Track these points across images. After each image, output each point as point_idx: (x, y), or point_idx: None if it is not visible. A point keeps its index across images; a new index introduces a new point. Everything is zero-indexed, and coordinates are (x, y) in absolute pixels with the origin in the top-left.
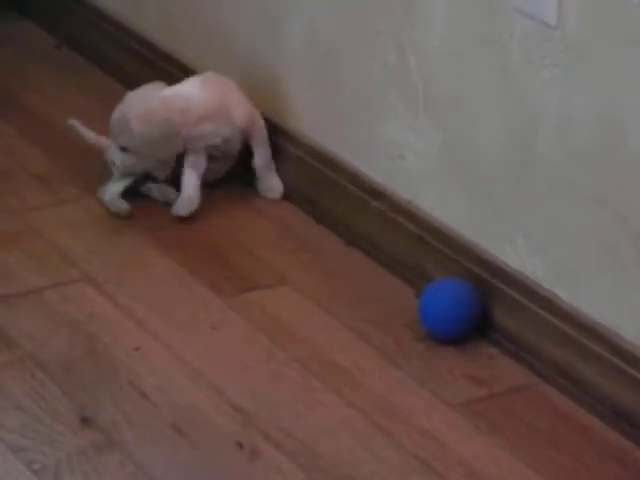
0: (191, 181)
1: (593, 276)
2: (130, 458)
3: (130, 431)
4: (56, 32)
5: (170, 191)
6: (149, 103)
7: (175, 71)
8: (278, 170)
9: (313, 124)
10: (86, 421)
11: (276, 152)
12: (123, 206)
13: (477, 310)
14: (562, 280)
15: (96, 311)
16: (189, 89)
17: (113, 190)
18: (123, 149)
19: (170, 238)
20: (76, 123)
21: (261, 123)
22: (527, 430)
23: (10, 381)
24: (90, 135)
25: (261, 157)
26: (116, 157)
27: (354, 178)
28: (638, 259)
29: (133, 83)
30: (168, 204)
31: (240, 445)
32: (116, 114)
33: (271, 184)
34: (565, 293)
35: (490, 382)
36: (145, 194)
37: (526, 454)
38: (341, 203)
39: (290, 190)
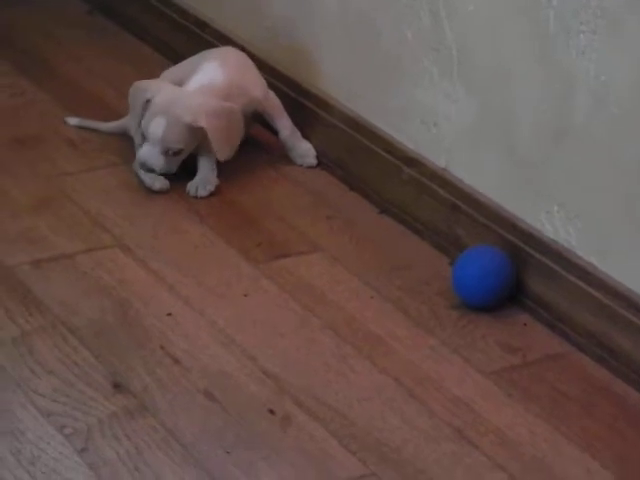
0: (206, 161)
1: (629, 245)
2: (161, 423)
3: (162, 396)
4: None
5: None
6: (196, 99)
7: (208, 37)
8: (312, 137)
9: (347, 91)
10: (118, 386)
11: (310, 119)
12: (160, 183)
13: (511, 279)
14: (597, 248)
15: (128, 277)
16: (214, 73)
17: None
18: (175, 153)
19: (203, 205)
20: (76, 120)
21: (273, 96)
22: (561, 399)
23: (42, 346)
24: (100, 125)
25: (285, 128)
26: (156, 163)
27: (388, 145)
28: None
29: (166, 49)
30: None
31: (272, 412)
32: (160, 124)
33: (303, 149)
34: (600, 261)
35: (524, 350)
36: None
37: (559, 422)
38: (375, 170)
39: (323, 158)
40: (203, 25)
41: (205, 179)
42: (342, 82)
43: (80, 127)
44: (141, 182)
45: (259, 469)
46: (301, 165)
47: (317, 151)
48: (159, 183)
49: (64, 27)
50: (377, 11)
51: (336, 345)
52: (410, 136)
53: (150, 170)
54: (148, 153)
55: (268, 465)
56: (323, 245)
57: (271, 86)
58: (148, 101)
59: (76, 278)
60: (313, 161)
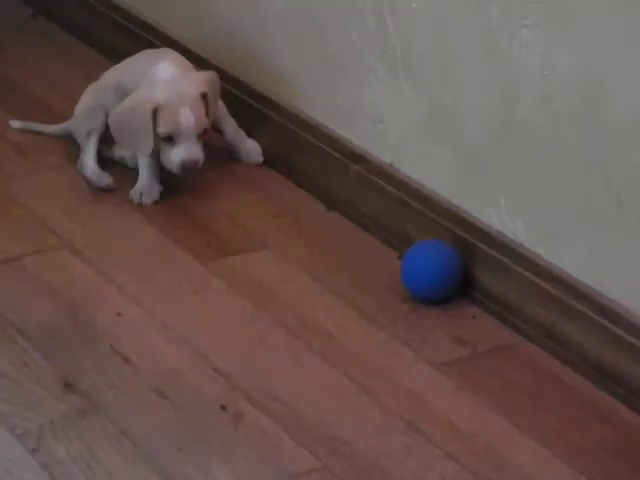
0: (149, 166)
1: (575, 236)
2: (113, 422)
3: (113, 396)
4: (31, 1)
5: None
6: (186, 76)
7: (152, 39)
8: (259, 136)
9: (293, 89)
10: (69, 386)
11: (256, 118)
12: (107, 180)
13: (460, 271)
14: (544, 240)
15: (77, 278)
16: (170, 70)
17: (90, 163)
18: (203, 133)
19: (151, 205)
20: (20, 123)
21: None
22: (511, 389)
23: None
24: (44, 127)
25: (229, 128)
26: (199, 155)
27: (334, 142)
28: (620, 218)
29: (110, 51)
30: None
31: (224, 408)
32: (187, 113)
33: (248, 147)
34: (547, 253)
35: (473, 342)
36: (118, 162)
37: (511, 413)
38: (322, 168)
39: (271, 156)
40: (147, 27)
41: (149, 186)
42: (288, 81)
43: (24, 130)
44: (88, 181)
45: (212, 465)
46: (248, 163)
47: (264, 150)
48: (105, 180)
49: (7, 30)
50: (322, 10)
51: (287, 341)
52: (357, 133)
53: (194, 165)
54: (189, 150)
55: (221, 461)
56: (272, 243)
57: None
58: (155, 108)
59: (25, 280)
60: (259, 158)
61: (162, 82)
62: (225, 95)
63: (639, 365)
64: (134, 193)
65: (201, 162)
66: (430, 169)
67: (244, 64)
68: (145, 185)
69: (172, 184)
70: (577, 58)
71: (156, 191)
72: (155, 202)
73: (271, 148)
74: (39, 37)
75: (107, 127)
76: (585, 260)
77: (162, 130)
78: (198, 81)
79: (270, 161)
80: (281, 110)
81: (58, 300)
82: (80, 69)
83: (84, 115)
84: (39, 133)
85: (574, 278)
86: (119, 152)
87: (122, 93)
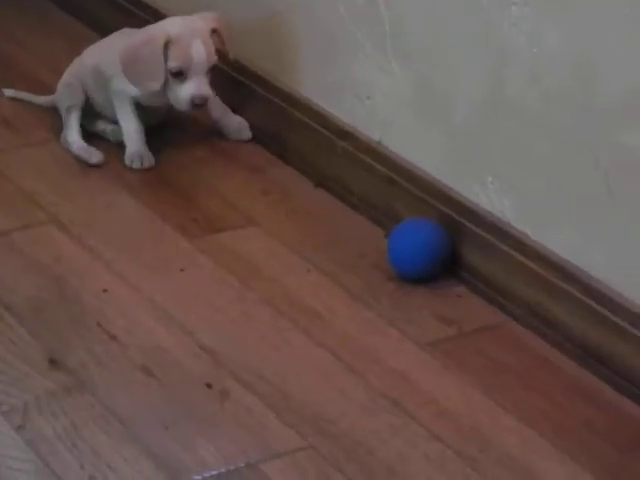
0: (136, 134)
1: (563, 216)
2: (99, 400)
3: (99, 373)
4: None
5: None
6: (193, 17)
7: (142, 14)
8: (247, 112)
9: (280, 65)
10: (55, 363)
11: (244, 94)
12: (97, 157)
13: (446, 250)
14: (531, 220)
15: (64, 253)
16: None
17: (75, 139)
18: (211, 69)
19: (138, 181)
20: (13, 92)
21: None
22: (497, 369)
23: None
24: (34, 97)
25: (215, 106)
26: (208, 90)
27: (322, 119)
28: (608, 199)
29: (101, 27)
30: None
31: (209, 386)
32: (199, 46)
33: (235, 124)
34: (534, 232)
35: (459, 321)
36: (101, 135)
37: (496, 393)
38: (309, 144)
39: (258, 132)
40: (138, 3)
41: (142, 150)
42: (276, 56)
43: (13, 100)
44: (77, 157)
45: (197, 443)
46: (236, 140)
47: (252, 126)
48: (96, 157)
49: None
50: None
51: (273, 319)
52: (345, 110)
53: (204, 101)
54: (199, 85)
55: (206, 439)
56: (259, 219)
57: None
58: (167, 42)
59: (12, 255)
60: (248, 134)
61: (172, 19)
62: (213, 70)
63: (624, 346)
64: (132, 158)
65: (210, 99)
66: (418, 147)
67: (232, 39)
68: (137, 150)
69: (160, 160)
70: (567, 36)
71: (151, 155)
72: (151, 167)
73: (259, 125)
74: (31, 12)
75: (88, 102)
76: (572, 240)
77: (173, 64)
78: (208, 17)
79: (258, 138)
80: (268, 86)
81: (45, 276)
82: (71, 44)
83: (63, 91)
84: (27, 106)
85: (561, 258)
86: (100, 125)
87: (99, 76)
